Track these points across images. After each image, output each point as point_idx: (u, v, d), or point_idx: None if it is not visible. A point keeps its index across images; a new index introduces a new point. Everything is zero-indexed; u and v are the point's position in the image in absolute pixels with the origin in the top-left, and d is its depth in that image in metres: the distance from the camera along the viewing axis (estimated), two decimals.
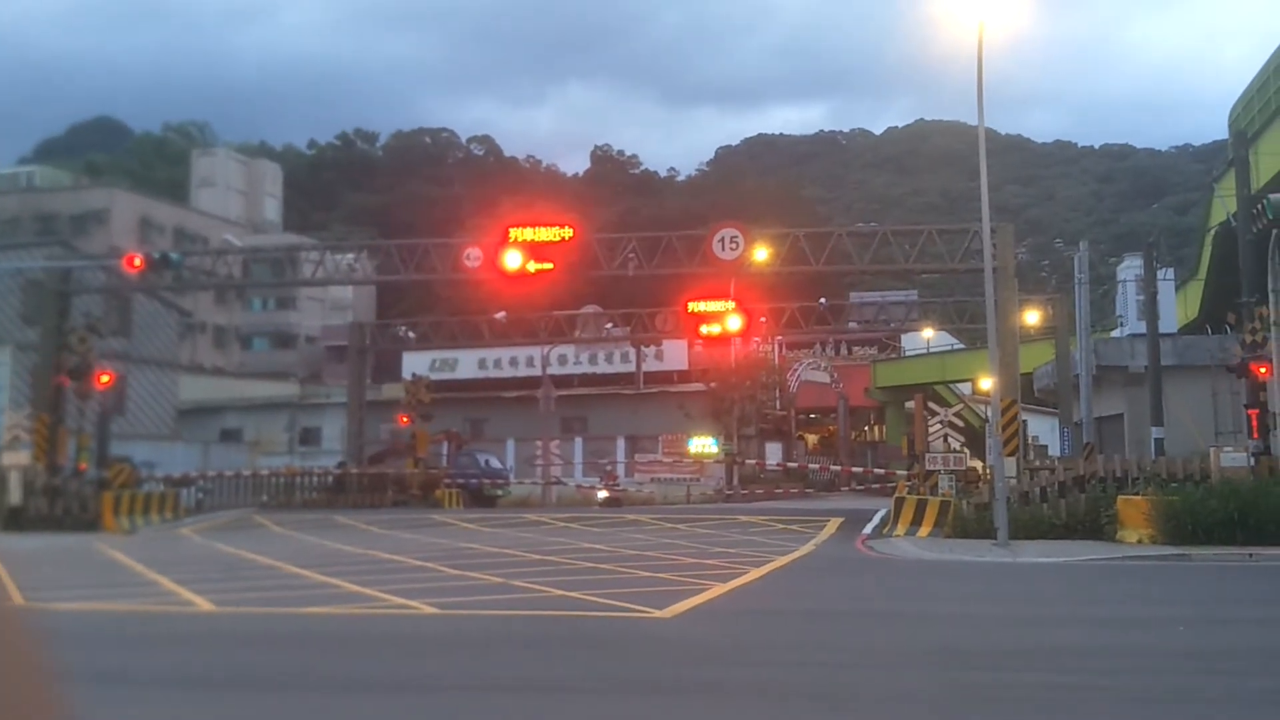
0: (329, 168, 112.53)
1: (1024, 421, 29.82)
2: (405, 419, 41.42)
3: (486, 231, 33.05)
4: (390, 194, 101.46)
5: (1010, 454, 23.99)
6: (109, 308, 42.91)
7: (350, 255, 40.12)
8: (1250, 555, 19.29)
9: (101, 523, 28.49)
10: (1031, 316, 40.31)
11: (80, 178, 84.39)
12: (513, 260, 30.10)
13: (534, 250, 30.17)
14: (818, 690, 8.61)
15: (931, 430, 27.58)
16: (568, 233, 30.39)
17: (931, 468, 26.37)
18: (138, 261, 31.66)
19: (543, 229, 30.43)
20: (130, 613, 13.49)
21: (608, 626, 11.87)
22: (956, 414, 29.14)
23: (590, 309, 51.94)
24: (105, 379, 30.70)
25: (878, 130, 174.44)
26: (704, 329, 37.25)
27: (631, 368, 54.79)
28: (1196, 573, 17.91)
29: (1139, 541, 21.06)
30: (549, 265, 30.28)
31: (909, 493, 27.16)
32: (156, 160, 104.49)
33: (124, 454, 34.61)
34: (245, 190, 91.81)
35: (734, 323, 36.51)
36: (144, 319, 50.18)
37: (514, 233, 30.43)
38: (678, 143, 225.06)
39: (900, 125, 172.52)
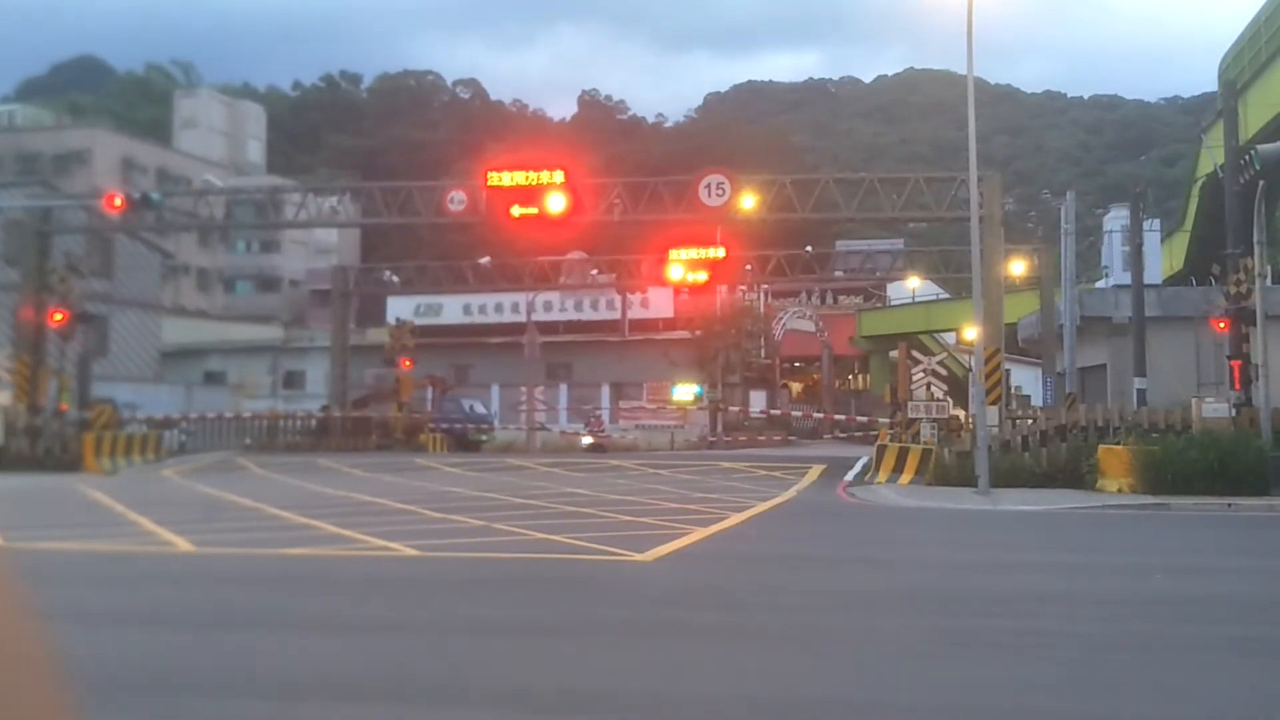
0: (313, 110, 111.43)
1: (1007, 371, 29.89)
2: (408, 362, 41.25)
3: (471, 175, 32.73)
4: (375, 137, 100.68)
5: (993, 403, 24.07)
6: (91, 248, 42.54)
7: (333, 198, 39.80)
8: (1229, 505, 19.47)
9: (83, 463, 28.43)
10: (1017, 267, 40.28)
11: (62, 117, 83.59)
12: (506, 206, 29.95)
13: (521, 194, 29.94)
14: (791, 632, 8.67)
15: (914, 379, 27.64)
16: (558, 176, 30.12)
17: (914, 416, 26.52)
18: (118, 201, 31.34)
19: (532, 172, 30.15)
20: (110, 553, 13.49)
21: (588, 569, 11.91)
22: (940, 363, 29.20)
23: (576, 255, 51.75)
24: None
25: (868, 78, 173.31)
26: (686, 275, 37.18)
27: (617, 315, 54.76)
28: (1175, 522, 18.05)
29: (1119, 490, 21.20)
30: (534, 210, 30.06)
31: (891, 440, 27.32)
32: (139, 100, 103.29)
33: (107, 395, 34.50)
34: (228, 132, 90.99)
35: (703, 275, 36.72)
36: (126, 260, 49.85)
37: (494, 176, 30.20)
38: (667, 88, 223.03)
39: (890, 74, 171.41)
